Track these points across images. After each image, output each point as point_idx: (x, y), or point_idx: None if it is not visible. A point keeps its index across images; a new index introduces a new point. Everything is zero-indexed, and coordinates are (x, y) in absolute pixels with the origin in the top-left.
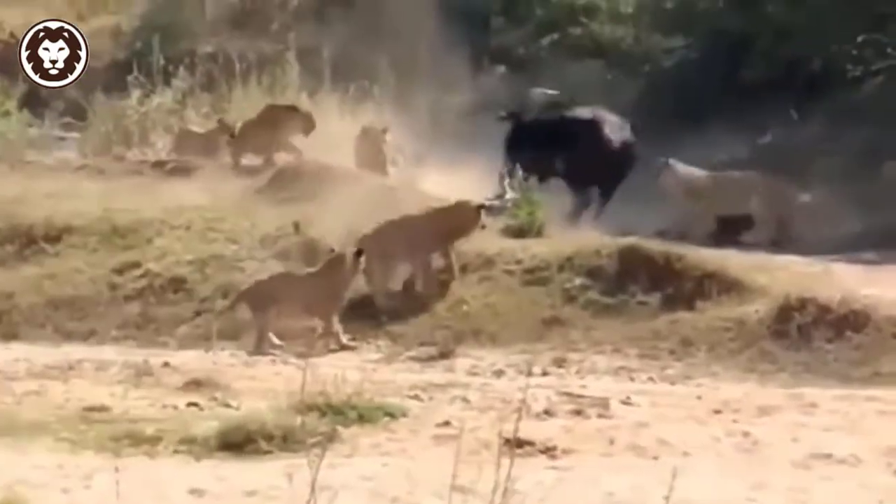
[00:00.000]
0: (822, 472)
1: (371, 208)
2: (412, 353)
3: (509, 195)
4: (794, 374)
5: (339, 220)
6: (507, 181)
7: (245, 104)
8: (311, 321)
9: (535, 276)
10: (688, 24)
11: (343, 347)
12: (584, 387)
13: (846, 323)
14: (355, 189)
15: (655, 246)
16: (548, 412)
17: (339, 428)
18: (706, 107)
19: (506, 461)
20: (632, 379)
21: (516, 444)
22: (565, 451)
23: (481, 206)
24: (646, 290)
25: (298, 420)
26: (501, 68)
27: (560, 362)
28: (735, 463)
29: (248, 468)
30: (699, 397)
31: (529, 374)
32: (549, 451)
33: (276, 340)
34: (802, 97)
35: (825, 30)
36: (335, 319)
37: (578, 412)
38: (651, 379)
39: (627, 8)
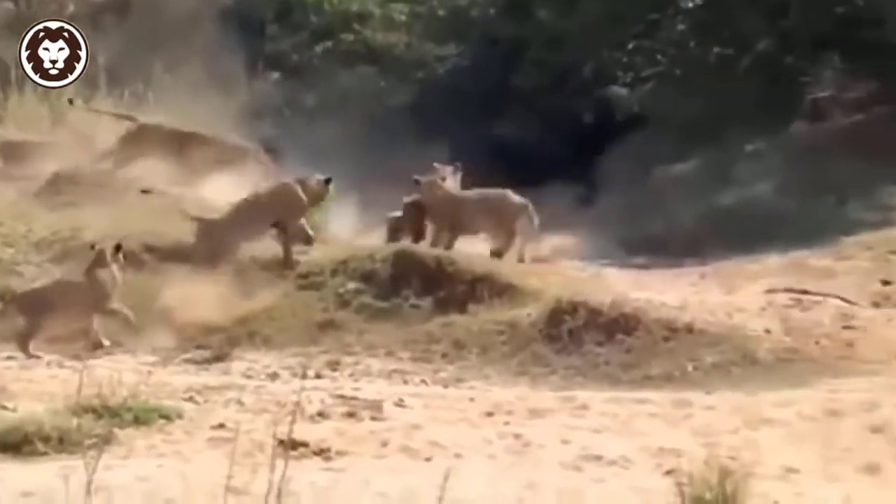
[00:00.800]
0: (592, 473)
1: (146, 212)
2: (188, 356)
3: None
4: (566, 377)
5: (116, 223)
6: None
7: (20, 111)
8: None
9: (309, 280)
10: (460, 31)
11: (96, 347)
12: (357, 389)
13: (617, 326)
14: (130, 193)
15: (428, 251)
16: (322, 414)
17: (115, 430)
18: (480, 113)
19: (280, 463)
20: (405, 381)
21: (290, 446)
22: (339, 453)
23: (328, 180)
24: (419, 293)
25: (74, 422)
26: (276, 74)
27: (334, 365)
28: (507, 464)
29: (24, 469)
30: (472, 399)
31: (304, 376)
32: (322, 452)
33: (35, 351)
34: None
35: (595, 37)
36: (96, 317)
37: (352, 414)
38: (424, 381)
39: (401, 16)
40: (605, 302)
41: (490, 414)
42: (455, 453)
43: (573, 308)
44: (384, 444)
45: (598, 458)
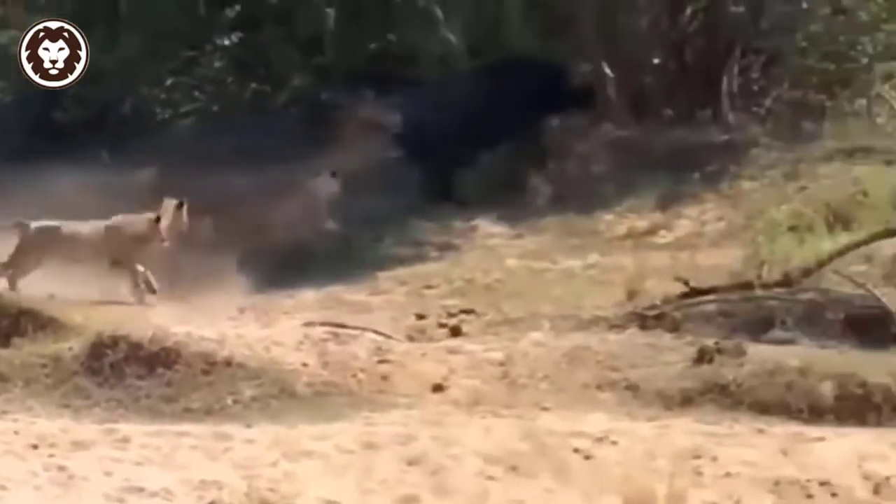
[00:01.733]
0: None
1: None
2: None
3: None
4: (108, 409)
5: None
6: None
7: None
8: None
9: None
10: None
11: None
12: None
13: (157, 359)
14: None
15: None
16: None
17: None
18: (27, 149)
19: None
20: None
21: None
22: None
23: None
24: None
25: None
26: None
27: None
28: (52, 496)
29: None
30: (16, 432)
31: None
32: None
33: None
34: (114, 139)
35: (135, 73)
36: None
37: None
38: None
39: None
40: (146, 336)
41: (35, 446)
42: (0, 486)
43: (114, 342)
44: None
45: (141, 489)
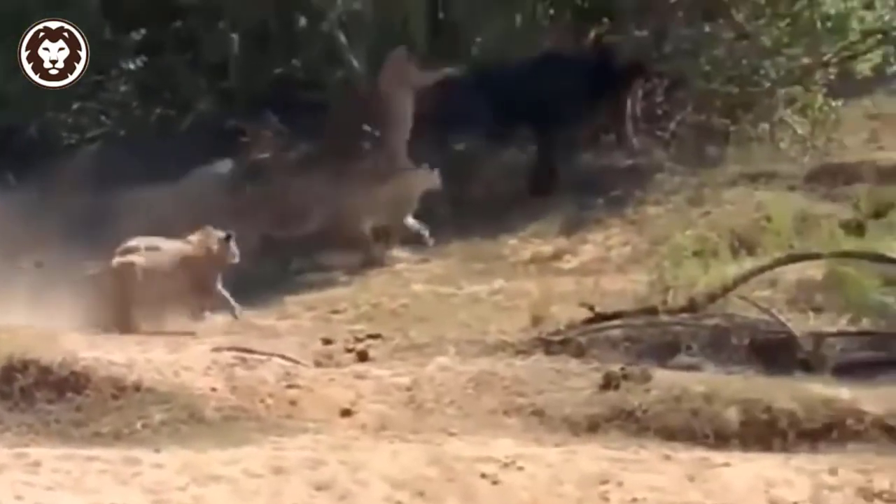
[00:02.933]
0: None
1: None
2: None
3: None
4: (19, 434)
5: None
6: None
7: None
8: None
9: None
10: None
11: None
12: None
13: (67, 384)
14: None
15: None
16: None
17: None
18: None
19: None
20: None
21: None
22: None
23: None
24: None
25: None
26: None
27: None
28: None
29: None
30: None
31: None
32: None
33: None
34: (20, 163)
35: (41, 98)
36: None
37: None
38: None
39: None
40: (55, 360)
41: None
42: None
43: (24, 366)
44: None
45: None
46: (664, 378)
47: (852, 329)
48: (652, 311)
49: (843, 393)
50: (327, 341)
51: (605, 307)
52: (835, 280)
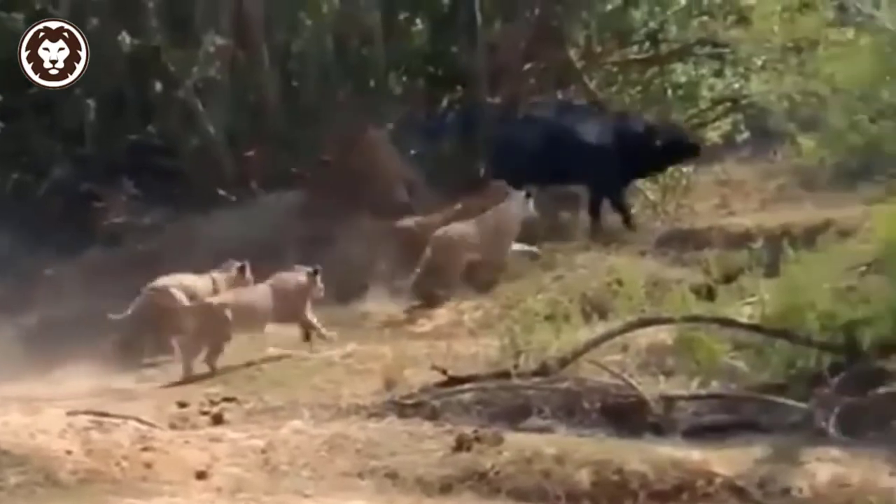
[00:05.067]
0: None
1: None
2: None
3: None
4: None
5: None
6: None
7: None
8: None
9: None
10: None
11: None
12: None
13: None
14: None
15: None
16: None
17: None
18: None
19: None
20: None
21: None
22: None
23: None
24: None
25: None
26: None
27: None
28: None
29: None
30: None
31: None
32: None
33: None
34: None
35: None
36: None
37: None
38: None
39: None
40: None
41: None
42: None
43: None
44: None
45: None
46: (516, 440)
47: (703, 392)
48: (504, 374)
49: (694, 455)
50: (182, 404)
51: (458, 371)
52: (685, 344)
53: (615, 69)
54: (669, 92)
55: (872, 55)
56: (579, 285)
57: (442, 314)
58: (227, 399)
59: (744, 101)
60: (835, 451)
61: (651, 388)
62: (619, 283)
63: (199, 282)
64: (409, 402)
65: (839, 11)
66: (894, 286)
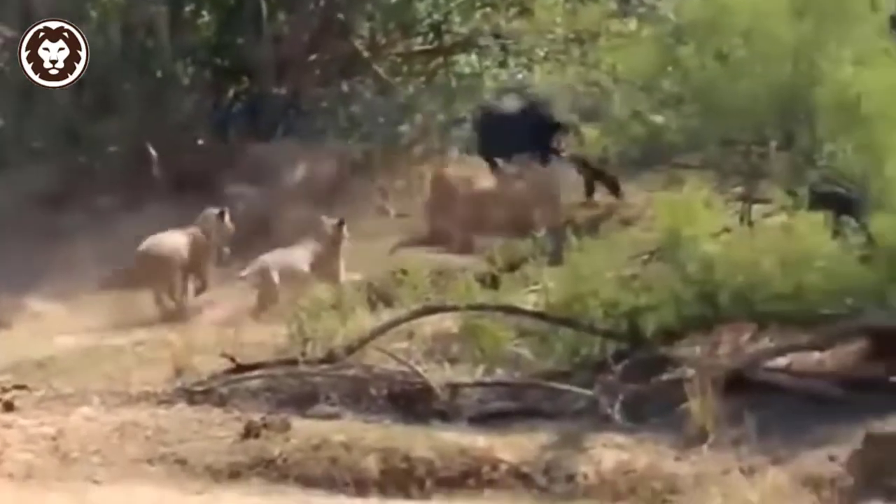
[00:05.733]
0: None
1: None
2: None
3: None
4: None
5: None
6: None
7: None
8: None
9: None
10: None
11: None
12: None
13: None
14: None
15: None
16: None
17: None
18: None
19: None
20: None
21: None
22: None
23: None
24: None
25: None
26: None
27: None
28: None
29: None
30: None
31: None
32: None
33: None
34: None
35: None
36: None
37: None
38: None
39: None
40: None
41: None
42: None
43: None
44: None
45: None
46: (304, 427)
47: (488, 380)
48: (292, 362)
49: (479, 441)
50: None
51: (246, 358)
52: (470, 332)
53: (399, 60)
54: (454, 82)
55: (654, 46)
56: (365, 274)
57: (230, 303)
58: (17, 386)
59: (527, 92)
60: (619, 438)
61: (437, 375)
62: (404, 272)
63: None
64: (199, 389)
65: (622, 2)
66: (676, 274)
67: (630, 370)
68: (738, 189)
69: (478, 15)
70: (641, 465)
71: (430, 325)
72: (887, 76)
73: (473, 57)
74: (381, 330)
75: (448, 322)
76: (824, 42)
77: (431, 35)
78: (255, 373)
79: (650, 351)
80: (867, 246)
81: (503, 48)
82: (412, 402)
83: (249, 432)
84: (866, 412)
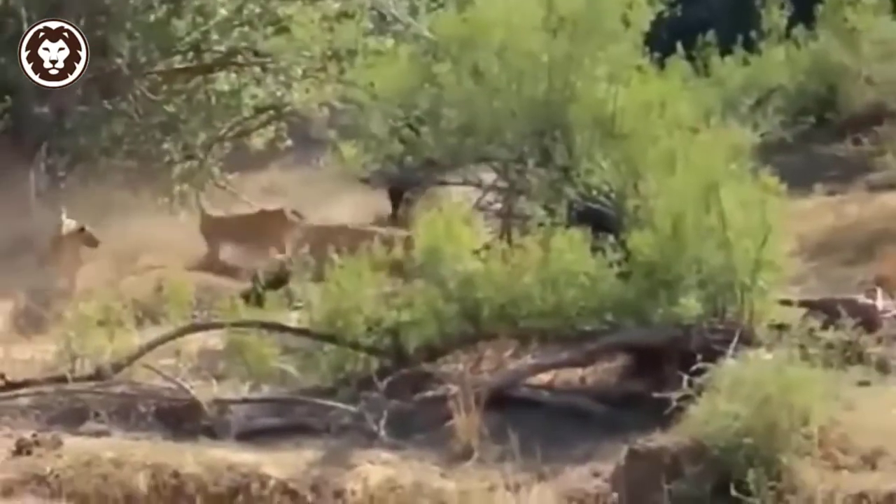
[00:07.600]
0: None
1: None
2: None
3: None
4: None
5: None
6: None
7: None
8: None
9: None
10: None
11: None
12: None
13: None
14: None
15: None
16: None
17: None
18: None
19: None
20: None
21: None
22: None
23: None
24: None
25: None
26: None
27: None
28: None
29: None
30: None
31: None
32: None
33: None
34: None
35: None
36: None
37: None
38: None
39: None
40: None
41: None
42: None
43: None
44: None
45: None
46: (75, 444)
47: (254, 396)
48: (61, 379)
49: (247, 458)
50: None
51: (15, 375)
52: (236, 348)
53: (160, 79)
54: (213, 100)
55: (410, 63)
56: (130, 291)
57: None
58: None
59: (286, 110)
60: (385, 454)
61: (204, 391)
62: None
63: None
64: None
65: (378, 21)
66: (438, 291)
67: (394, 386)
68: (498, 206)
69: (236, 33)
70: (408, 481)
71: (196, 342)
72: (641, 93)
73: (233, 75)
74: (149, 347)
75: (214, 339)
76: (579, 59)
77: (191, 53)
78: (24, 390)
79: (414, 367)
80: (625, 262)
81: (262, 67)
82: (180, 419)
83: (21, 449)
84: (629, 428)
